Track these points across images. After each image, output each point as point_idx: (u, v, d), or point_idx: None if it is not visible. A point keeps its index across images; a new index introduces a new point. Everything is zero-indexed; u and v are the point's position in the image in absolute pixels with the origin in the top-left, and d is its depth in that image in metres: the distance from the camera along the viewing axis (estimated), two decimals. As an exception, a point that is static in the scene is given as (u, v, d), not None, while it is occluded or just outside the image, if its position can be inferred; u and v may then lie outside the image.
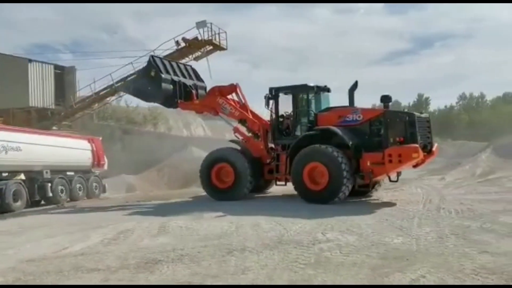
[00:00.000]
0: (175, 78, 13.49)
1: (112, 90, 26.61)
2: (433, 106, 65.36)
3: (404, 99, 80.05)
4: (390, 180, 11.50)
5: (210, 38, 24.62)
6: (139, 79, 14.10)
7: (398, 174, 11.27)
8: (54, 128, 25.53)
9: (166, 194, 16.42)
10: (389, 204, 10.39)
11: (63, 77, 28.68)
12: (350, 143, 10.52)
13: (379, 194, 12.12)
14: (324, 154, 10.52)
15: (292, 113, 12.20)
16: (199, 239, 6.87)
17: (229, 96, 13.35)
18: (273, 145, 12.45)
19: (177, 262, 5.49)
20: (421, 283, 4.34)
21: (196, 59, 25.42)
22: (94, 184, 18.06)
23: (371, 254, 5.52)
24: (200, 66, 23.78)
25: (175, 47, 24.93)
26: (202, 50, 25.10)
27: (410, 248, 5.81)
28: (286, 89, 12.29)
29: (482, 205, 9.28)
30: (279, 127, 12.29)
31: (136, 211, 11.18)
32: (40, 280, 5.00)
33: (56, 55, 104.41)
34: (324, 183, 10.49)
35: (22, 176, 14.34)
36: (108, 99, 28.56)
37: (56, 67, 28.46)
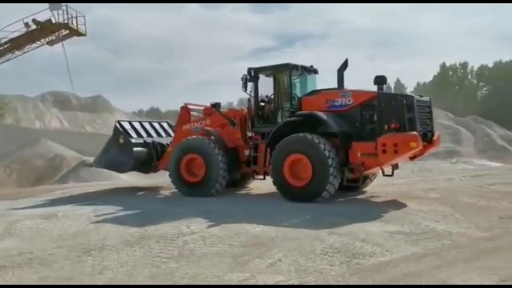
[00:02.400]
0: (148, 140, 12.06)
1: None
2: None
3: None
4: (384, 174, 9.73)
5: (66, 21, 22.58)
6: (108, 150, 12.22)
7: (394, 167, 9.73)
8: None
9: (15, 192, 14.68)
10: (256, 193, 10.86)
11: None
12: (338, 131, 9.04)
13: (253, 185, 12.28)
14: (307, 144, 9.03)
15: (273, 97, 10.73)
16: (51, 240, 6.29)
17: (191, 116, 11.94)
18: (252, 134, 10.89)
19: (24, 266, 4.95)
20: (278, 266, 4.63)
21: (50, 43, 23.12)
22: None
23: (234, 243, 5.70)
24: (55, 51, 21.77)
25: (24, 29, 22.35)
26: (56, 34, 22.89)
27: (270, 234, 6.14)
28: (267, 70, 10.71)
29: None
30: (258, 113, 10.65)
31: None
32: None
33: None
34: (308, 178, 9.00)
35: None
36: None
37: None
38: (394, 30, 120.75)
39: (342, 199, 9.27)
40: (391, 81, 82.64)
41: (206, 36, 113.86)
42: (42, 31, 22.38)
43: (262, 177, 10.79)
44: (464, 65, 75.24)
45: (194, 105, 12.23)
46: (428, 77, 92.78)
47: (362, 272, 4.35)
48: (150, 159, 11.73)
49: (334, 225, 6.50)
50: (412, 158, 9.45)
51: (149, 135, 12.46)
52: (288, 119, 9.80)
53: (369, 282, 4.05)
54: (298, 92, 10.36)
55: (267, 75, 10.81)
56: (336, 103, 9.46)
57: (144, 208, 8.78)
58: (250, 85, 10.52)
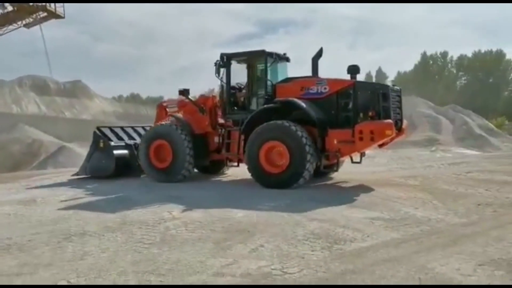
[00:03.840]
0: (130, 142, 12.02)
1: None
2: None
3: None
4: (353, 162, 10.09)
5: (43, 4, 21.99)
6: (91, 156, 12.13)
7: (362, 154, 10.07)
8: None
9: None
10: (230, 179, 10.88)
11: None
12: (316, 118, 9.13)
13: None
14: (283, 131, 9.06)
15: (246, 84, 10.68)
16: (30, 226, 6.19)
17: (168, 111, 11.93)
18: (223, 121, 10.90)
19: (3, 252, 4.86)
20: (260, 252, 4.65)
21: (27, 26, 22.57)
22: None
23: (216, 229, 5.71)
24: (33, 34, 21.25)
25: (0, 11, 21.69)
26: (34, 16, 22.33)
27: (252, 220, 6.16)
28: (241, 56, 10.60)
29: (314, 178, 10.33)
30: (230, 99, 10.63)
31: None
32: None
33: None
34: (284, 165, 9.06)
35: None
36: None
37: None
38: (375, 18, 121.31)
39: (318, 184, 9.36)
40: (372, 70, 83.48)
41: (187, 21, 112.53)
42: (19, 13, 21.80)
43: (236, 164, 10.78)
44: (444, 55, 76.33)
45: (169, 101, 12.43)
46: (409, 66, 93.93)
47: (344, 257, 4.41)
48: (134, 161, 11.67)
49: (315, 212, 6.56)
50: (380, 145, 9.62)
51: (131, 138, 12.43)
52: (264, 106, 9.80)
53: (350, 267, 4.11)
54: (271, 78, 10.31)
55: (240, 62, 10.75)
56: (311, 91, 9.55)
57: (123, 194, 8.71)
58: (222, 71, 10.47)
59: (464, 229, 5.54)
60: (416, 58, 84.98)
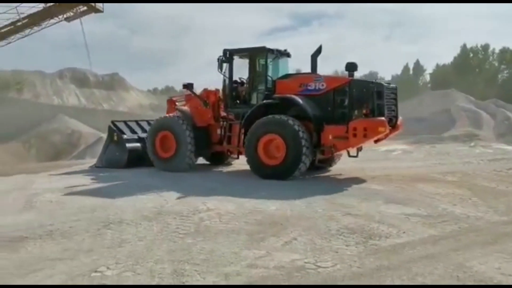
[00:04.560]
0: (143, 135, 12.62)
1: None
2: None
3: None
4: (349, 155, 10.34)
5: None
6: (106, 149, 13.06)
7: (359, 149, 10.27)
8: None
9: (34, 167, 15.01)
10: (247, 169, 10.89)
11: None
12: (313, 114, 9.50)
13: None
14: (281, 125, 9.45)
15: (247, 79, 11.00)
16: (71, 213, 6.43)
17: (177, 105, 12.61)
18: (225, 114, 11.30)
19: (46, 238, 5.08)
20: (293, 245, 4.66)
21: (68, 19, 23.19)
22: None
23: (249, 221, 5.75)
24: (74, 29, 21.91)
25: (42, 5, 22.42)
26: (74, 10, 22.94)
27: (285, 213, 6.17)
28: (243, 51, 10.99)
29: (347, 172, 10.23)
30: (232, 94, 10.99)
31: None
32: None
33: None
34: (281, 157, 9.41)
35: None
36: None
37: None
38: (412, 10, 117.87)
39: (351, 177, 9.24)
40: (410, 63, 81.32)
41: (222, 14, 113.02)
42: (60, 7, 22.45)
43: (236, 156, 11.32)
44: (485, 47, 73.39)
45: (179, 96, 13.07)
46: (448, 59, 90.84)
47: (379, 253, 4.35)
48: (146, 153, 12.00)
49: (349, 206, 6.50)
50: (376, 141, 9.83)
51: (145, 132, 12.85)
52: (264, 102, 10.15)
53: (385, 263, 4.05)
54: (272, 74, 10.63)
55: (242, 57, 11.06)
56: (309, 87, 9.85)
57: (158, 184, 8.87)
58: (225, 66, 10.79)
59: (504, 228, 5.36)
60: (455, 51, 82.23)
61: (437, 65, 78.47)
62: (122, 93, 52.56)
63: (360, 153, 10.21)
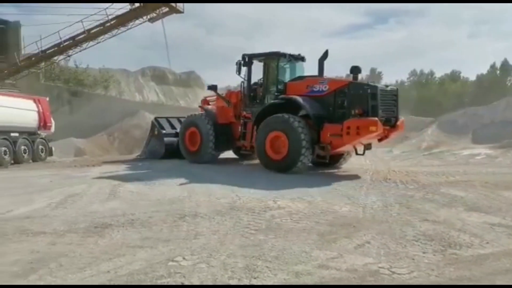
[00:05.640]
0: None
1: (60, 49, 25.25)
2: (385, 80, 66.94)
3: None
4: (357, 153, 11.29)
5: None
6: (149, 142, 15.15)
7: (366, 147, 10.98)
8: (-5, 86, 24.04)
9: (117, 159, 16.03)
10: (338, 174, 10.72)
11: (6, 33, 26.87)
12: (312, 113, 10.37)
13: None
14: (285, 124, 10.37)
15: (262, 81, 12.02)
16: (150, 204, 6.80)
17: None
18: (245, 113, 12.23)
19: (128, 226, 5.42)
20: (366, 248, 4.54)
21: (151, 20, 24.53)
22: (40, 146, 17.31)
23: (320, 221, 5.70)
24: (155, 29, 23.05)
25: (129, 7, 23.87)
26: (157, 11, 24.19)
27: (357, 215, 6.04)
28: (259, 56, 12.01)
29: (425, 176, 9.76)
30: (250, 94, 12.07)
31: (85, 175, 10.86)
32: (-19, 243, 4.79)
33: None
34: (284, 152, 10.36)
35: (-39, 136, 13.51)
36: (55, 58, 27.13)
37: (-2, 21, 26.58)
38: (501, 5, 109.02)
39: (433, 182, 8.78)
40: (497, 61, 75.62)
41: (296, 12, 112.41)
42: (145, 9, 23.79)
43: (249, 151, 12.21)
44: None
45: (212, 96, 14.22)
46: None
47: (459, 263, 4.11)
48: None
49: (426, 212, 6.21)
50: (380, 140, 10.67)
51: None
52: (271, 102, 11.28)
53: (466, 274, 3.82)
54: (288, 77, 11.82)
55: (259, 60, 12.05)
56: (314, 89, 10.77)
57: (231, 180, 9.11)
58: (244, 69, 11.96)
59: None
60: (551, 48, 74.95)
61: (530, 64, 72.13)
62: (197, 90, 54.33)
63: (439, 156, 9.77)
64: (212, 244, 4.64)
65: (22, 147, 15.97)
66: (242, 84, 12.22)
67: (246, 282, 3.63)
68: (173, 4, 24.04)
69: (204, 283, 3.59)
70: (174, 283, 3.58)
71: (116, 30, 24.97)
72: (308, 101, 10.59)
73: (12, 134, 15.56)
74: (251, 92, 12.05)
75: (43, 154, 17.34)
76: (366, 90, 10.07)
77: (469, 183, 8.87)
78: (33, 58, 26.12)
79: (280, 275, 3.80)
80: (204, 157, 12.50)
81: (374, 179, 9.58)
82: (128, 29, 25.08)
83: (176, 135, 14.04)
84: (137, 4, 23.70)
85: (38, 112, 17.37)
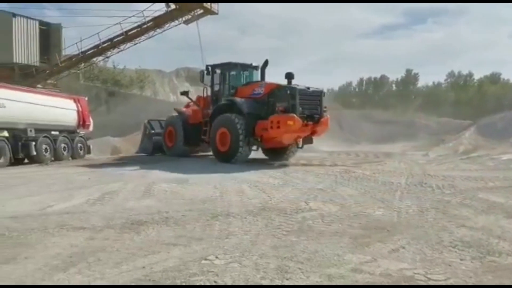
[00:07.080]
0: None
1: (99, 50, 26.01)
2: (422, 82, 65.22)
3: (393, 74, 79.94)
4: (298, 147, 13.89)
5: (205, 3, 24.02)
6: (142, 140, 18.17)
7: (305, 141, 13.33)
8: (38, 86, 25.01)
9: (151, 158, 16.37)
10: (372, 177, 10.55)
11: (48, 34, 27.89)
12: (246, 112, 12.61)
13: (364, 166, 12.25)
14: (228, 121, 12.72)
15: (221, 86, 14.43)
16: (184, 203, 6.92)
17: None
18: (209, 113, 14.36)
19: (162, 224, 5.54)
20: (401, 253, 4.46)
21: (186, 22, 24.91)
22: (79, 144, 17.93)
23: (353, 224, 5.63)
24: (187, 30, 23.42)
25: (165, 9, 24.33)
26: (192, 13, 24.54)
27: (391, 219, 5.93)
28: (217, 66, 14.53)
29: (463, 181, 9.47)
30: (213, 98, 14.59)
31: (122, 173, 11.15)
32: (25, 236, 5.00)
33: (41, 11, 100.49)
34: (227, 145, 12.66)
35: (6, 133, 14.16)
36: (94, 59, 27.99)
37: (41, 23, 27.61)
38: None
39: (471, 187, 8.51)
40: (542, 62, 72.19)
41: (330, 12, 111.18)
42: (180, 11, 24.19)
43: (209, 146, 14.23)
44: None
45: (192, 101, 16.32)
46: None
47: (498, 271, 3.97)
48: None
49: (463, 218, 6.02)
50: (311, 134, 12.97)
51: None
52: (219, 104, 13.85)
53: (506, 282, 3.69)
54: (243, 82, 14.18)
55: (219, 70, 14.54)
56: (255, 92, 13.19)
57: (262, 180, 9.15)
58: (207, 77, 14.55)
59: None
60: None
61: None
62: (231, 91, 54.85)
63: (478, 161, 9.49)
64: (244, 244, 4.67)
65: (62, 145, 16.58)
66: (205, 89, 14.83)
67: (278, 283, 3.63)
68: (208, 6, 24.31)
69: (236, 283, 3.62)
70: (207, 282, 3.62)
71: (152, 32, 25.53)
72: (247, 102, 12.88)
73: (52, 133, 16.17)
74: (213, 96, 14.56)
75: (81, 152, 17.94)
76: (287, 91, 12.33)
77: (509, 189, 8.53)
78: (73, 59, 27.03)
79: (313, 277, 3.78)
80: (177, 150, 15.29)
81: (409, 183, 9.37)
82: (164, 31, 25.62)
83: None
84: (173, 6, 24.11)
85: (78, 111, 17.99)
